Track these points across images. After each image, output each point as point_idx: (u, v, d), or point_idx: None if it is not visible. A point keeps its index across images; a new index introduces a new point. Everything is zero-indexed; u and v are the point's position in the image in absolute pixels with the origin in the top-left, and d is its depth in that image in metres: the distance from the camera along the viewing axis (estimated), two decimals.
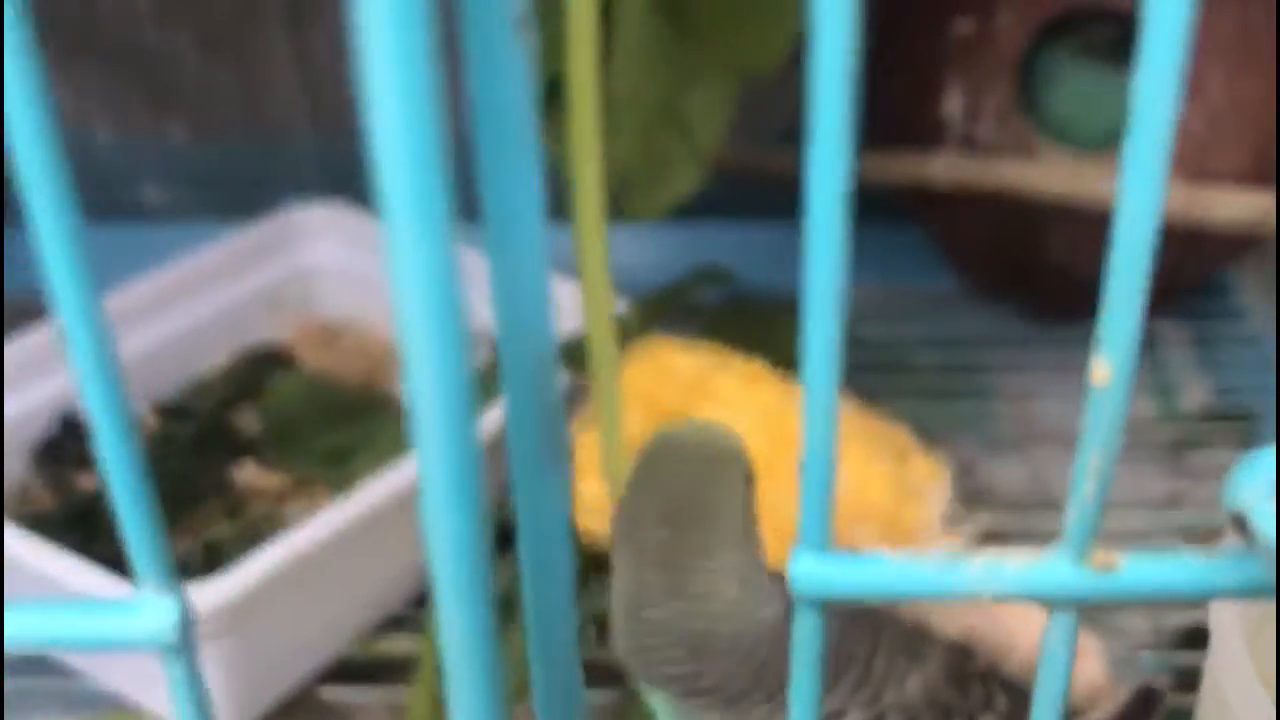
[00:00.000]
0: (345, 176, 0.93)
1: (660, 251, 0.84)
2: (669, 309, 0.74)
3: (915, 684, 0.39)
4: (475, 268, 0.54)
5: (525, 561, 0.20)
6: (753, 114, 0.91)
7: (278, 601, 0.49)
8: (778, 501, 0.49)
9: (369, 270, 0.71)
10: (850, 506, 0.49)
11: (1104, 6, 0.61)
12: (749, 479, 0.38)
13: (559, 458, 0.19)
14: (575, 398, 0.55)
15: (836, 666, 0.38)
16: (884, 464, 0.50)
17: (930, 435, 0.69)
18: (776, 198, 0.90)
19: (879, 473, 0.49)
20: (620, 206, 0.53)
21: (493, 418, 0.54)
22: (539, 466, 0.19)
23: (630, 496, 0.37)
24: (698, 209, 0.94)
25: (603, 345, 0.45)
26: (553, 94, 0.43)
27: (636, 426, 0.52)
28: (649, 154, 0.51)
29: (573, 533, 0.21)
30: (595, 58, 0.40)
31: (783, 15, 0.47)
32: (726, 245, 0.84)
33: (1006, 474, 0.66)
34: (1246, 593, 0.17)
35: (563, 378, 0.56)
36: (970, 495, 0.64)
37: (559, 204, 0.53)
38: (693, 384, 0.53)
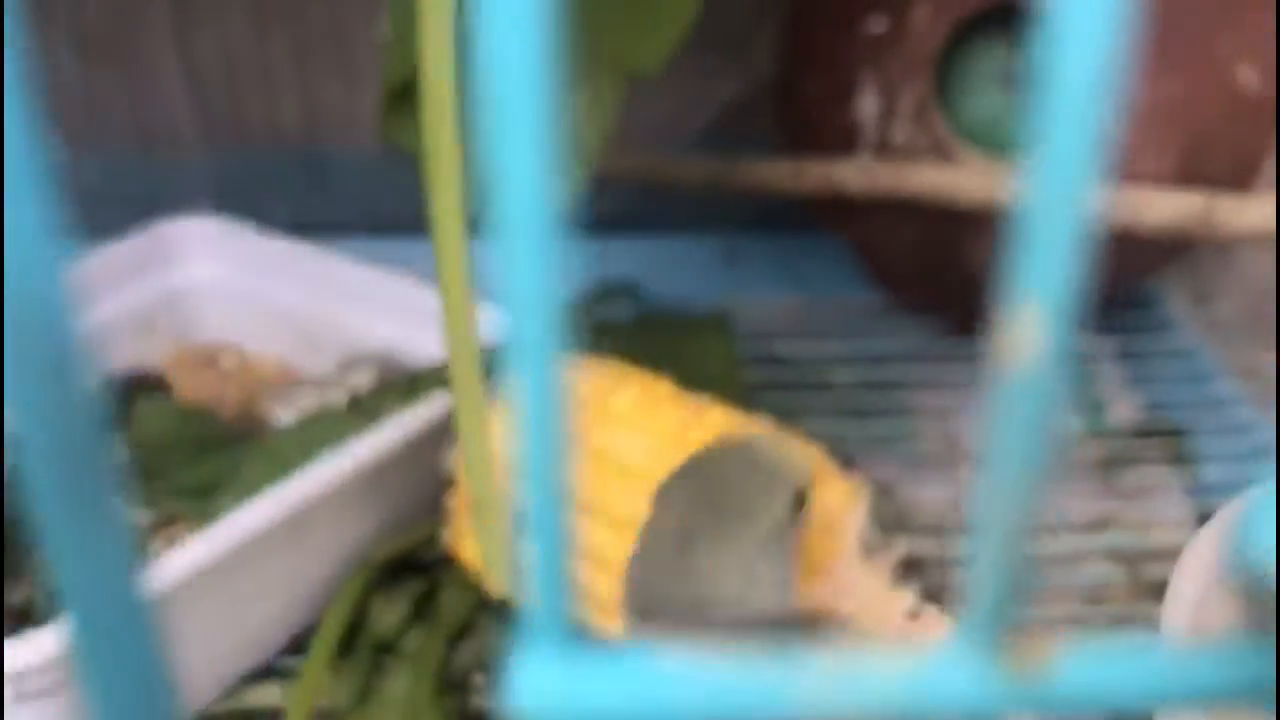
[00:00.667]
0: (238, 190, 0.89)
1: (569, 266, 0.80)
2: (574, 325, 0.70)
3: None
4: (373, 283, 0.48)
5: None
6: (663, 123, 0.88)
7: None
8: None
9: (251, 289, 0.66)
10: None
11: (1021, 1, 0.58)
12: (800, 503, 0.43)
13: None
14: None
15: None
16: None
17: (849, 456, 0.66)
18: (686, 210, 0.87)
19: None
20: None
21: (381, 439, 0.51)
22: None
23: (692, 469, 0.43)
24: (607, 222, 0.91)
25: (464, 362, 0.41)
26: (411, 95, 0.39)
27: None
28: None
29: None
30: (452, 53, 0.36)
31: (668, 14, 0.43)
32: (637, 259, 0.80)
33: (928, 495, 0.63)
34: (1252, 696, 0.11)
35: (445, 400, 0.52)
36: (891, 518, 0.61)
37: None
38: (590, 404, 0.49)
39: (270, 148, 0.89)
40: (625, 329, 0.71)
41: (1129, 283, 0.67)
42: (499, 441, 0.49)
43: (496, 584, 0.47)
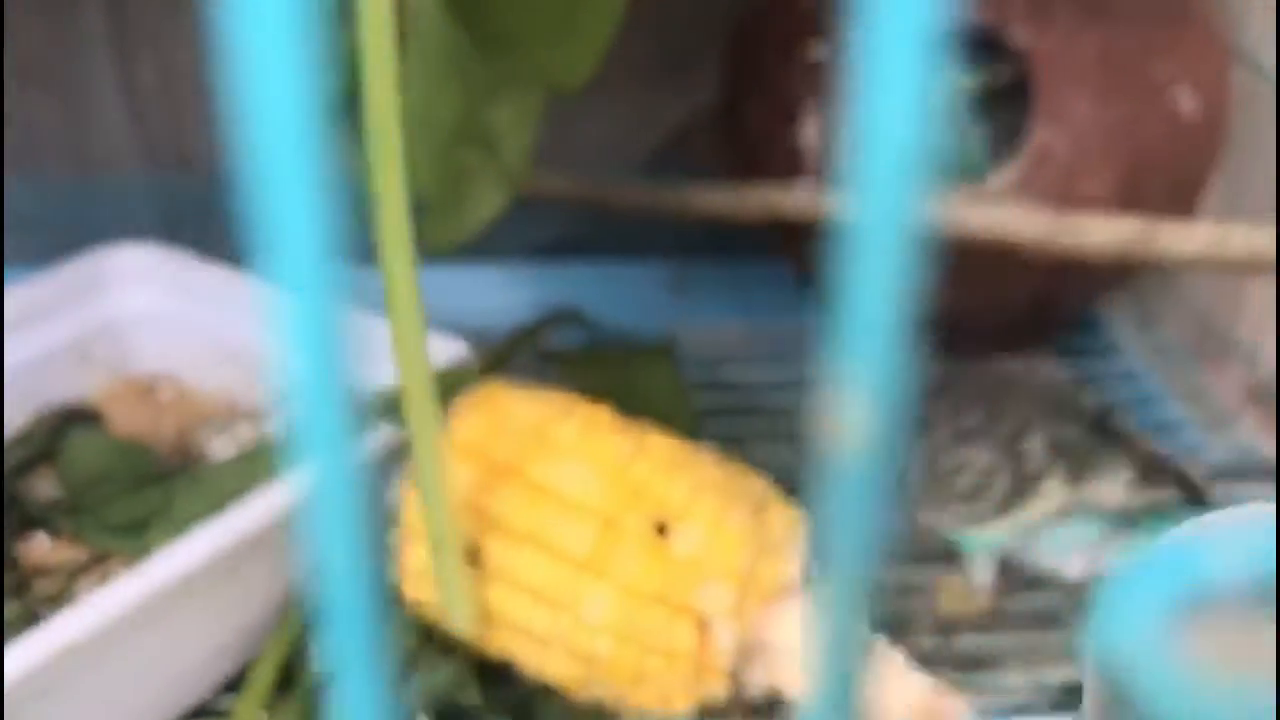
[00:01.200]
0: (181, 216, 0.87)
1: (513, 292, 0.80)
2: (518, 353, 0.69)
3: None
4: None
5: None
6: (608, 146, 0.88)
7: (50, 697, 0.42)
8: (621, 560, 0.44)
9: (189, 319, 0.65)
10: (702, 566, 0.44)
11: (964, 24, 0.58)
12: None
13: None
14: (403, 454, 0.50)
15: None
16: (738, 517, 0.45)
17: (796, 482, 0.66)
18: (633, 234, 0.86)
19: (734, 527, 0.45)
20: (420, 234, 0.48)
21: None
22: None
23: None
24: (551, 247, 0.90)
25: (419, 396, 0.40)
26: (348, 107, 0.39)
27: (468, 481, 0.47)
28: (448, 176, 0.46)
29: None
30: (395, 69, 0.35)
31: (590, 27, 0.43)
32: (583, 284, 0.80)
33: None
34: None
35: (389, 432, 0.51)
36: None
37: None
38: (530, 434, 0.48)
39: (213, 172, 0.87)
40: (571, 357, 0.71)
41: (1076, 306, 0.67)
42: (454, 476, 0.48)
43: (456, 623, 0.46)
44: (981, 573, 0.51)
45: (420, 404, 0.41)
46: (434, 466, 0.42)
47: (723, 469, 0.48)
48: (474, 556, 0.46)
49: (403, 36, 0.44)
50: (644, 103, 0.86)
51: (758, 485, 0.49)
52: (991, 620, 0.54)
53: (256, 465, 0.50)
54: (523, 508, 0.46)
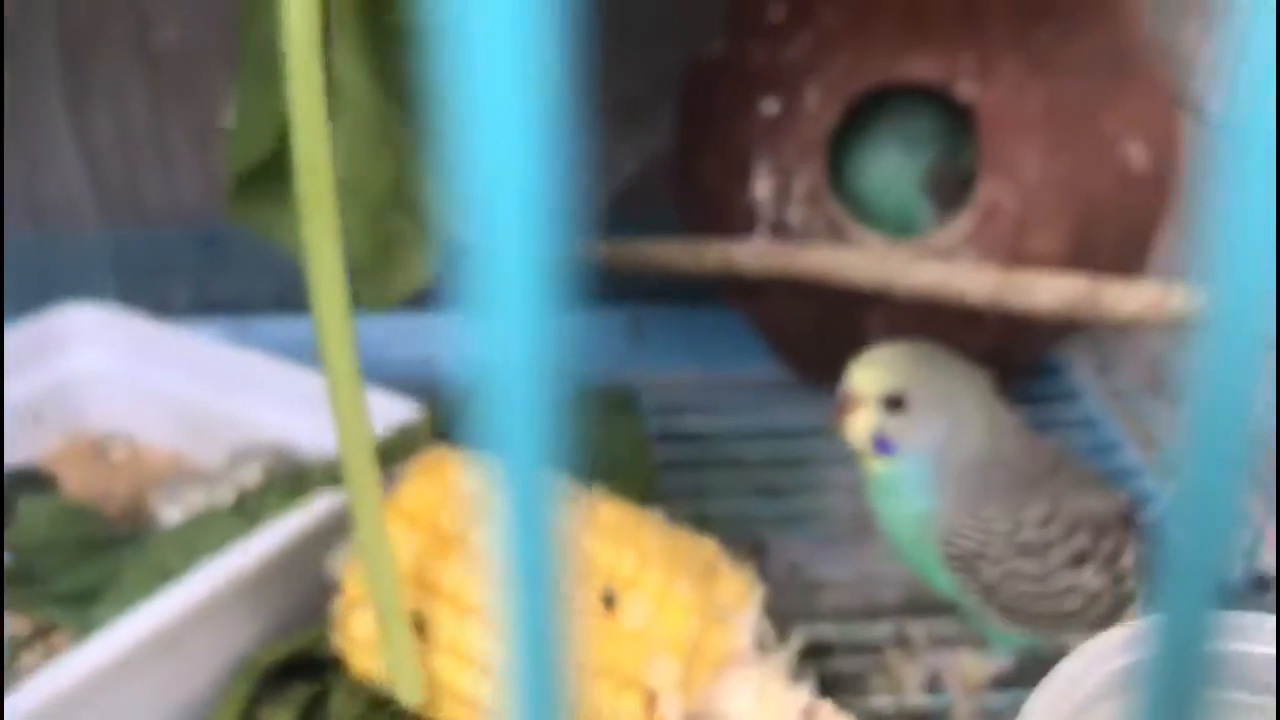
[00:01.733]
0: (138, 270, 0.87)
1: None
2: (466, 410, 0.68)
3: (1086, 503, 0.48)
4: (266, 371, 0.46)
5: None
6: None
7: None
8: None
9: (142, 378, 0.64)
10: (649, 639, 0.44)
11: (911, 80, 0.58)
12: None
13: None
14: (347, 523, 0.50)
15: (1037, 473, 0.47)
16: (686, 586, 0.45)
17: (759, 537, 0.66)
18: (590, 283, 0.86)
19: (680, 597, 0.45)
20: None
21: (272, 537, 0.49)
22: None
23: None
24: None
25: (359, 463, 0.39)
26: (273, 172, 0.38)
27: (416, 550, 0.47)
28: (379, 240, 0.46)
29: None
30: (325, 132, 0.35)
31: None
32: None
33: (837, 574, 0.62)
34: None
35: (330, 500, 0.51)
36: (798, 598, 0.60)
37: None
38: (474, 501, 0.47)
39: (170, 226, 0.87)
40: None
41: (1033, 352, 0.67)
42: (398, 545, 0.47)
43: (403, 693, 0.46)
44: (1005, 657, 0.51)
45: (360, 472, 0.40)
46: (376, 534, 0.41)
47: (671, 536, 0.48)
48: (422, 627, 0.46)
49: (332, 105, 0.43)
50: (600, 151, 0.86)
51: (707, 550, 0.49)
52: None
53: (200, 535, 0.50)
54: (471, 578, 0.46)
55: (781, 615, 0.59)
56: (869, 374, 0.47)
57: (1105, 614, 0.48)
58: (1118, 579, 0.48)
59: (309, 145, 0.34)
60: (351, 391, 0.38)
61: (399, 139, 0.44)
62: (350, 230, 0.46)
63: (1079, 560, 0.47)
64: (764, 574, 0.61)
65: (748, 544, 0.62)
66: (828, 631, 0.58)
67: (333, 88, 0.43)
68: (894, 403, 0.47)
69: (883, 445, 0.47)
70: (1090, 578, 0.47)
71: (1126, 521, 0.50)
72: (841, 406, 0.48)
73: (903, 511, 0.48)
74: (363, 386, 0.38)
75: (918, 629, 0.57)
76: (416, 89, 0.43)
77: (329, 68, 0.43)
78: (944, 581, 0.48)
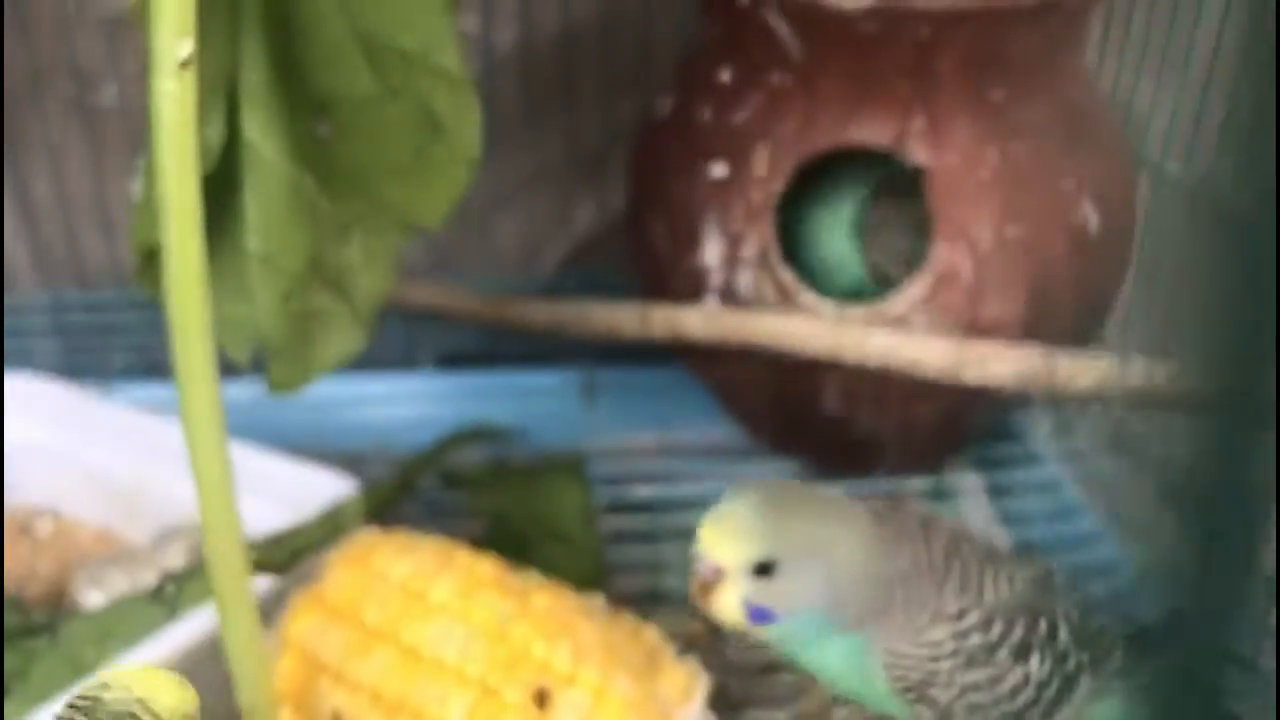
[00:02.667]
0: (78, 335, 0.85)
1: (422, 403, 0.77)
2: (420, 475, 0.67)
3: (1006, 587, 0.45)
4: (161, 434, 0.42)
5: None
6: (521, 255, 0.86)
7: None
8: None
9: (69, 451, 0.62)
10: None
11: (859, 145, 0.56)
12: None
13: None
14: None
15: (938, 572, 0.44)
16: (625, 681, 0.43)
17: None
18: (543, 342, 0.84)
19: (618, 694, 0.42)
20: (267, 376, 0.46)
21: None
22: None
23: None
24: (462, 356, 0.88)
25: (227, 572, 0.37)
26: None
27: (339, 646, 0.45)
28: (296, 319, 0.44)
29: None
30: (199, 207, 0.33)
31: (445, 165, 0.41)
32: (493, 392, 0.77)
33: None
34: None
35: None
36: (752, 683, 0.58)
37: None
38: (405, 593, 0.45)
39: (110, 288, 0.85)
40: (477, 477, 0.68)
41: (986, 419, 0.65)
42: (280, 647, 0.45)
43: None
44: None
45: (227, 569, 0.38)
46: (245, 642, 0.39)
47: (611, 624, 0.46)
48: None
49: (243, 178, 0.42)
50: (555, 207, 0.84)
51: (650, 642, 0.47)
52: None
53: (119, 623, 0.48)
54: (395, 674, 0.44)
55: (733, 702, 0.57)
56: (727, 545, 0.42)
57: (1056, 698, 0.46)
58: (1060, 658, 0.46)
59: (178, 226, 0.32)
60: (221, 498, 0.35)
61: (316, 210, 0.42)
62: (263, 308, 0.44)
63: (1024, 652, 0.45)
64: (716, 657, 0.60)
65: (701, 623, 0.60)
66: (782, 713, 0.55)
67: (242, 155, 0.42)
68: (763, 569, 0.42)
69: (760, 615, 0.42)
70: (1037, 666, 0.45)
71: (1047, 589, 0.47)
72: (704, 585, 0.42)
73: (820, 658, 0.45)
74: (233, 492, 0.36)
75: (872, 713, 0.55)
76: (335, 159, 0.41)
77: (238, 135, 0.42)
78: (893, 706, 0.46)
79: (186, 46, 0.31)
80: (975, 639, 0.44)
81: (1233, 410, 0.21)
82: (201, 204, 0.33)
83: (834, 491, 0.45)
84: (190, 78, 0.31)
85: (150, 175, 0.38)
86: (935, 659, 0.44)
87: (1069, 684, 0.46)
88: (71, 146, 0.81)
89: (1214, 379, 0.21)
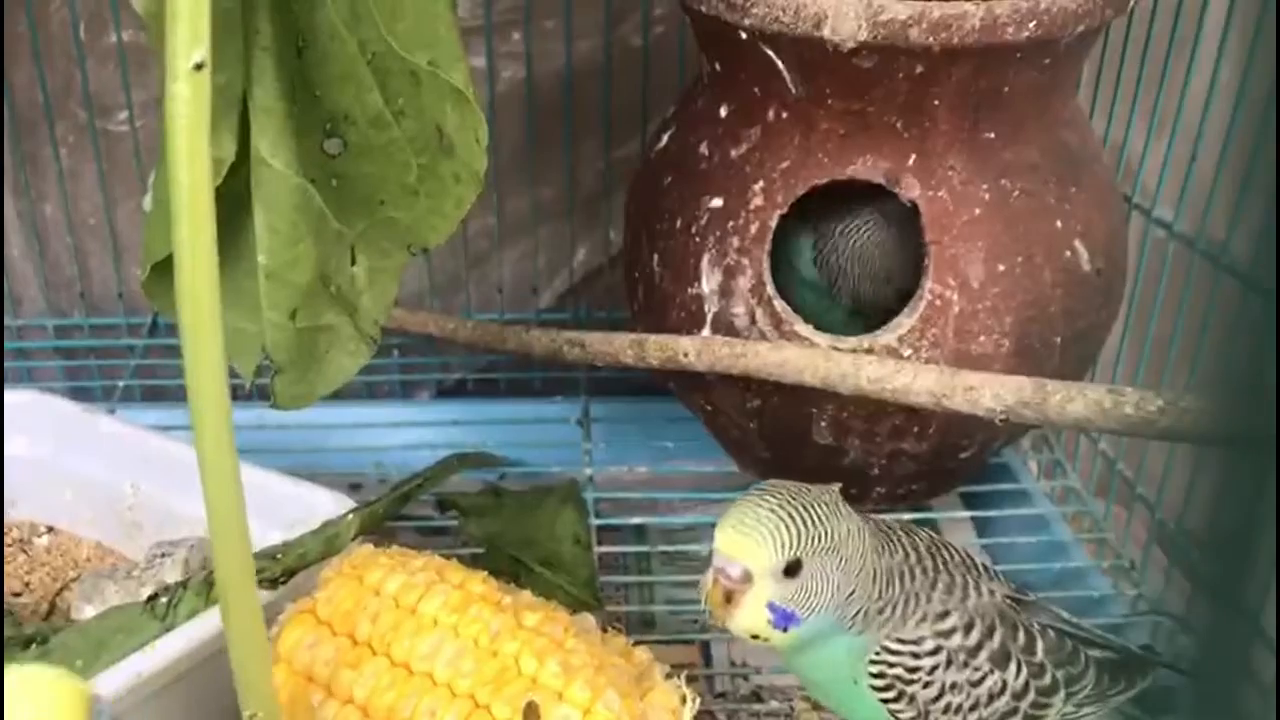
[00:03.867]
0: (85, 358, 0.86)
1: (421, 430, 0.78)
2: (416, 498, 0.67)
3: (987, 595, 0.46)
4: (189, 458, 0.43)
5: None
6: (521, 286, 0.87)
7: None
8: None
9: (70, 466, 0.63)
10: None
11: (856, 179, 0.57)
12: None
13: None
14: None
15: (928, 573, 0.46)
16: (614, 700, 0.43)
17: (708, 631, 0.64)
18: (542, 373, 0.85)
19: (606, 713, 0.43)
20: (272, 393, 0.47)
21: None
22: None
23: None
24: (460, 387, 0.89)
25: (235, 578, 0.37)
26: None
27: (331, 660, 0.45)
28: (303, 336, 0.45)
29: None
30: (211, 221, 0.34)
31: (449, 186, 0.42)
32: (492, 423, 0.78)
33: (783, 678, 0.60)
34: None
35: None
36: (741, 706, 0.58)
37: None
38: (398, 609, 0.46)
39: (117, 311, 0.86)
40: (473, 503, 0.69)
41: (978, 454, 0.66)
42: (288, 656, 0.46)
43: None
44: None
45: (234, 575, 0.38)
46: (253, 653, 0.39)
47: (601, 645, 0.46)
48: None
49: (252, 194, 0.43)
50: (555, 243, 0.85)
51: (640, 662, 0.47)
52: None
53: (112, 633, 0.48)
54: (386, 688, 0.44)
55: None
56: (754, 547, 0.42)
57: (1032, 711, 0.47)
58: (1037, 671, 0.46)
59: (190, 237, 0.33)
60: (233, 513, 0.36)
61: (322, 229, 0.43)
62: (270, 323, 0.45)
63: (1003, 659, 0.46)
64: (704, 682, 0.60)
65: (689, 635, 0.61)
66: None
67: (251, 172, 0.43)
68: (791, 570, 0.42)
69: (784, 618, 0.42)
70: (1015, 675, 0.46)
71: (1024, 605, 0.48)
72: (728, 593, 0.42)
73: (817, 660, 0.45)
74: (243, 505, 0.36)
75: None
76: (344, 177, 0.42)
77: (247, 151, 0.43)
78: (872, 712, 0.46)
79: (201, 51, 0.32)
80: (956, 640, 0.45)
81: (1242, 448, 0.21)
82: (213, 207, 0.34)
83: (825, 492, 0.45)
84: (204, 81, 0.32)
85: (162, 182, 0.39)
86: (917, 656, 0.45)
87: (1045, 696, 0.47)
88: (82, 171, 0.83)
89: (1223, 417, 0.22)
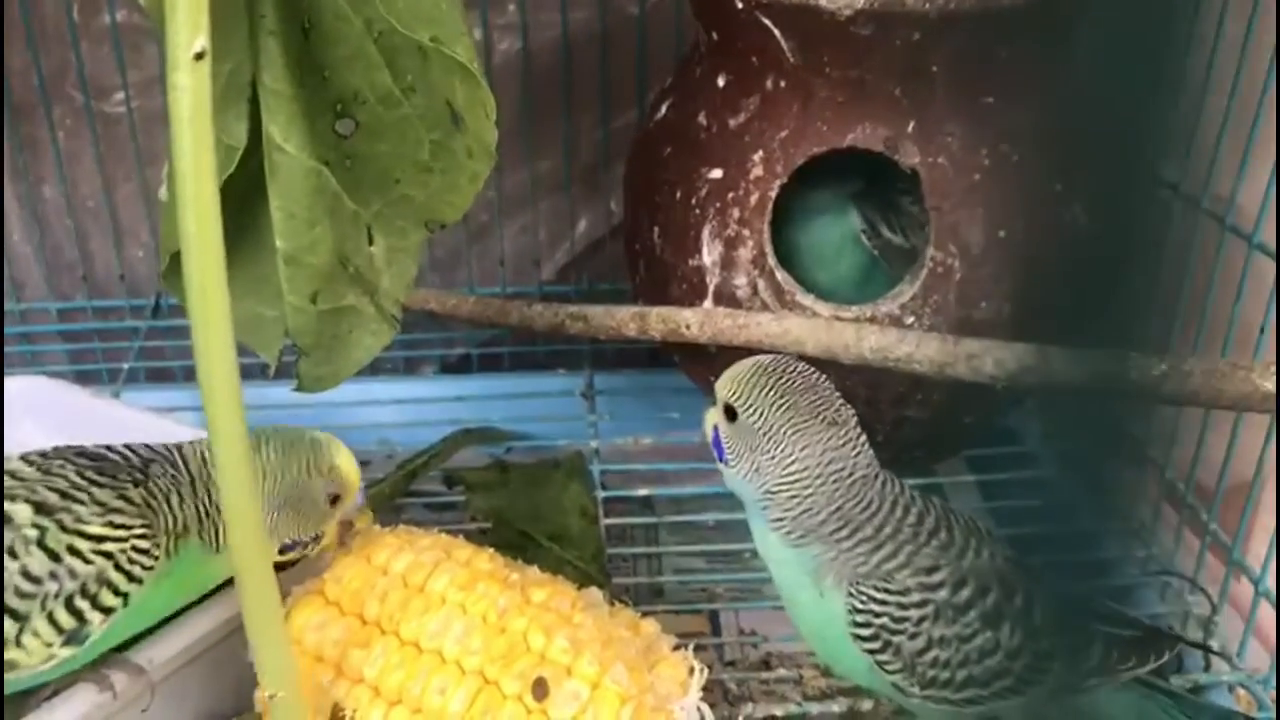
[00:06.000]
0: (88, 340, 0.86)
1: (427, 407, 0.78)
2: (423, 474, 0.67)
3: (986, 557, 0.47)
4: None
5: None
6: (523, 260, 0.87)
7: None
8: None
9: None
10: None
11: (855, 147, 0.57)
12: None
13: None
14: None
15: (922, 531, 0.46)
16: (621, 673, 0.43)
17: (717, 600, 0.64)
18: (546, 346, 0.85)
19: (616, 686, 0.43)
20: (296, 375, 0.47)
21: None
22: None
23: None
24: (465, 361, 0.89)
25: (250, 558, 0.38)
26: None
27: (340, 639, 0.45)
28: (324, 317, 0.45)
29: None
30: (217, 208, 0.34)
31: (462, 162, 0.42)
32: (497, 397, 0.78)
33: (792, 646, 0.60)
34: None
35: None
36: (750, 674, 0.59)
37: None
38: (406, 587, 0.46)
39: (121, 297, 0.86)
40: (480, 477, 0.69)
41: (982, 418, 0.66)
42: (301, 634, 0.46)
43: None
44: None
45: (250, 556, 0.38)
46: (270, 628, 0.39)
47: (609, 618, 0.47)
48: (340, 718, 0.44)
49: (267, 179, 0.43)
50: (555, 216, 0.85)
51: (648, 635, 0.47)
52: None
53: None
54: (395, 667, 0.44)
55: (730, 696, 0.58)
56: (724, 379, 0.48)
57: (1027, 674, 0.46)
58: (1034, 635, 0.46)
59: (196, 227, 0.33)
60: (243, 483, 0.36)
61: (338, 209, 0.43)
62: (292, 307, 0.45)
63: (996, 620, 0.45)
64: (713, 651, 0.60)
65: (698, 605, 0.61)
66: (780, 709, 0.56)
67: (265, 156, 0.42)
68: (729, 412, 0.47)
69: (717, 446, 0.48)
70: (1008, 636, 0.45)
71: (1027, 571, 0.47)
72: (709, 409, 0.49)
73: (780, 574, 0.48)
74: (255, 482, 0.36)
75: (871, 706, 0.56)
76: (357, 158, 0.42)
77: (260, 136, 0.42)
78: (855, 663, 0.47)
79: (201, 40, 0.32)
80: (943, 594, 0.45)
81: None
82: (218, 196, 0.33)
83: (846, 428, 0.47)
84: (205, 70, 0.32)
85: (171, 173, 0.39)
86: (903, 607, 0.45)
87: (1042, 663, 0.46)
88: (80, 153, 0.83)
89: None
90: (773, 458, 0.46)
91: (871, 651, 0.45)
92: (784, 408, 0.46)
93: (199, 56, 0.31)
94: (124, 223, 0.84)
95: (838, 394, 0.47)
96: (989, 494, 0.72)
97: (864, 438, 0.47)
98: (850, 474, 0.46)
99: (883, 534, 0.46)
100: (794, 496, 0.46)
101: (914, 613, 0.45)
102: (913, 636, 0.45)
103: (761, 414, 0.46)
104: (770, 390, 0.47)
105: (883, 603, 0.45)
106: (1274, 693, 0.57)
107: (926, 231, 0.57)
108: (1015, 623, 0.46)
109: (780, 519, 0.46)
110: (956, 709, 0.46)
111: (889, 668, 0.46)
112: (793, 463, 0.46)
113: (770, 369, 0.47)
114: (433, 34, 0.40)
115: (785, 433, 0.46)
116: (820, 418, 0.46)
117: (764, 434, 0.46)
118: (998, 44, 0.55)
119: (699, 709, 0.45)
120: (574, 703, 0.43)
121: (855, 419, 0.47)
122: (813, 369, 0.48)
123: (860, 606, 0.45)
